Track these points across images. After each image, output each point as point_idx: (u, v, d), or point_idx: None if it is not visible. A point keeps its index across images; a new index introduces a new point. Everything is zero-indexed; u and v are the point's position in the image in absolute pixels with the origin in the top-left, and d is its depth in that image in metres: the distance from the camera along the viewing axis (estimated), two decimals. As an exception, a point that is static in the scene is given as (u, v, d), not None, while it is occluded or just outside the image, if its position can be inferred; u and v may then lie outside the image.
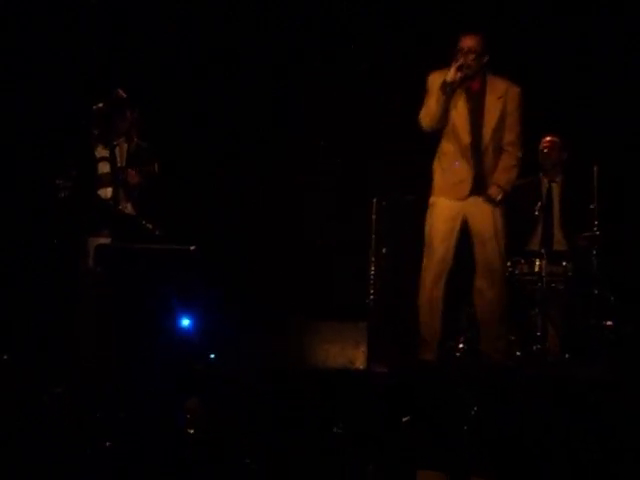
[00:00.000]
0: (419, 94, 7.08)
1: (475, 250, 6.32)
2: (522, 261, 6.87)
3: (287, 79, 8.07)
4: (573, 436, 4.63)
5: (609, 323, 6.80)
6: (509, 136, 6.28)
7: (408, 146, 7.74)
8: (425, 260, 6.31)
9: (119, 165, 6.71)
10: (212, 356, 6.01)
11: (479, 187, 6.25)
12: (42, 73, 7.45)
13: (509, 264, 6.66)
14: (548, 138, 7.26)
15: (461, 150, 6.24)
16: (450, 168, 6.27)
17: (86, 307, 5.87)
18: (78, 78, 7.21)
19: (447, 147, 6.30)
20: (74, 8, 7.15)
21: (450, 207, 6.27)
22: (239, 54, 8.10)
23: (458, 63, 6.08)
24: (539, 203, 7.11)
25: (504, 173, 6.28)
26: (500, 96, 6.25)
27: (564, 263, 6.98)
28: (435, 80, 6.23)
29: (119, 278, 5.92)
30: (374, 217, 6.90)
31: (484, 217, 6.25)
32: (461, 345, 6.80)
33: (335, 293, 7.27)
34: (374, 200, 6.96)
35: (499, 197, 6.23)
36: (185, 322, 6.00)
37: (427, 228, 6.33)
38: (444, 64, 6.23)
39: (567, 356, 6.68)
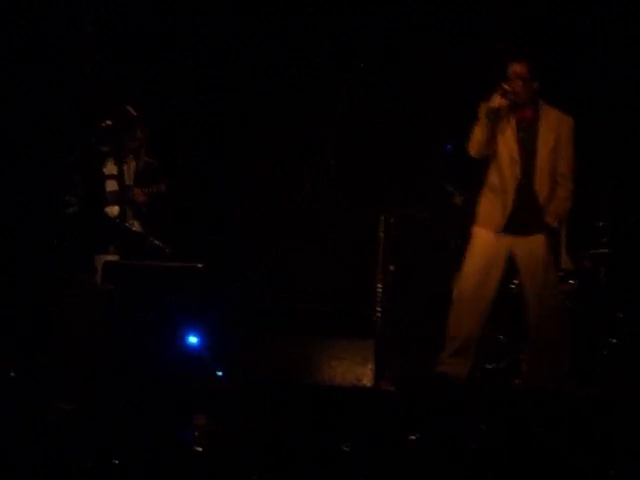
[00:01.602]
0: (431, 111, 7.11)
1: (524, 284, 6.26)
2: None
3: (296, 90, 8.08)
4: (582, 454, 4.61)
5: (616, 341, 6.80)
6: (562, 168, 6.20)
7: (416, 162, 7.77)
8: (455, 290, 6.32)
9: (127, 183, 6.74)
10: (219, 373, 6.00)
11: (533, 220, 6.19)
12: (51, 88, 7.48)
13: (516, 282, 6.63)
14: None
15: (510, 181, 6.18)
16: (497, 200, 6.22)
17: (89, 321, 5.87)
18: (87, 94, 7.23)
19: (494, 178, 6.24)
20: (80, 21, 7.17)
21: (494, 240, 6.22)
22: (247, 69, 8.13)
23: (502, 89, 6.03)
24: (546, 221, 7.10)
25: (559, 204, 6.21)
26: (553, 127, 6.17)
27: (571, 281, 6.97)
28: (485, 108, 6.19)
29: (127, 295, 5.93)
30: (382, 233, 6.88)
31: (535, 249, 6.17)
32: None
33: (342, 310, 7.26)
34: (382, 217, 6.95)
35: (555, 225, 6.23)
36: (192, 339, 6.00)
37: (465, 259, 6.31)
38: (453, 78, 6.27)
39: (574, 373, 6.66)
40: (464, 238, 6.67)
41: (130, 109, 6.80)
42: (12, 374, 5.79)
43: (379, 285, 6.79)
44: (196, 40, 8.04)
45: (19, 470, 4.21)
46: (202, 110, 8.05)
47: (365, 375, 5.89)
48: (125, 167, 6.73)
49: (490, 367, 6.81)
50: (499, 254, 6.22)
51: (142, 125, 6.85)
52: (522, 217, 6.19)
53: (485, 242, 6.25)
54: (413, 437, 4.81)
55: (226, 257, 7.80)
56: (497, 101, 6.04)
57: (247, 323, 6.48)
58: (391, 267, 6.99)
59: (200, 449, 4.71)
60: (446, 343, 6.32)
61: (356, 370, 5.89)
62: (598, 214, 7.00)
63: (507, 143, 6.20)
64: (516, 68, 6.12)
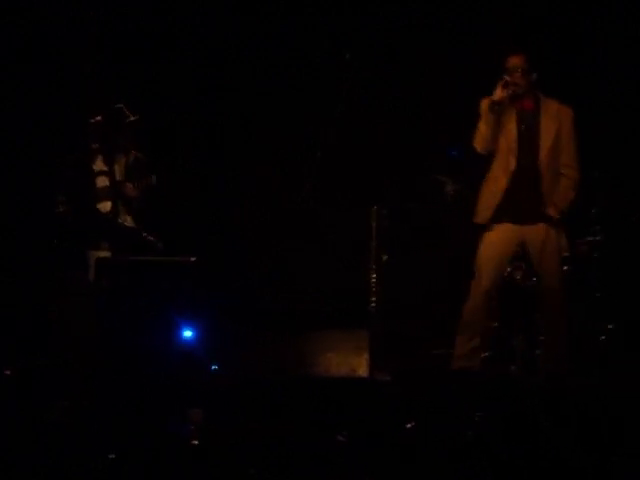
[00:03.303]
0: (431, 110, 7.09)
1: (536, 271, 6.38)
2: (523, 266, 6.86)
3: (287, 86, 8.08)
4: (576, 441, 4.62)
5: (610, 327, 6.81)
6: (565, 158, 6.24)
7: (409, 153, 7.76)
8: (473, 283, 6.31)
9: (118, 179, 6.73)
10: (214, 367, 6.00)
11: (535, 210, 6.22)
12: (40, 86, 7.47)
13: (509, 269, 6.65)
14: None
15: (512, 172, 6.21)
16: (500, 191, 6.24)
17: (87, 320, 5.87)
18: (87, 94, 7.24)
19: (497, 170, 6.28)
20: (80, 21, 7.16)
21: (503, 232, 6.27)
22: (247, 69, 8.12)
23: (503, 81, 6.07)
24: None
25: (562, 194, 6.24)
26: (554, 117, 6.21)
27: (565, 267, 6.98)
28: (487, 104, 6.20)
29: (120, 291, 5.92)
30: (374, 224, 6.88)
31: (543, 237, 6.22)
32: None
33: (336, 301, 7.26)
34: (374, 207, 6.95)
35: (557, 217, 6.21)
36: (187, 333, 6.00)
37: (479, 252, 6.33)
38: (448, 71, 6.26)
39: (571, 360, 6.66)
40: (458, 228, 6.67)
41: (124, 107, 6.80)
42: (7, 372, 5.79)
43: (372, 275, 6.79)
44: (196, 40, 8.03)
45: (19, 470, 4.21)
46: (202, 110, 8.04)
47: (360, 365, 5.89)
48: (115, 163, 6.73)
49: (485, 355, 6.80)
50: (508, 244, 6.29)
51: (135, 124, 6.85)
52: (526, 207, 6.23)
53: (494, 236, 6.29)
54: (409, 426, 4.82)
55: (226, 257, 7.79)
56: (499, 93, 6.09)
57: (243, 319, 6.49)
58: (384, 257, 6.98)
59: (196, 442, 4.71)
60: (458, 334, 6.35)
61: (351, 361, 5.90)
62: (592, 201, 7.01)
63: (508, 135, 6.23)
64: (515, 60, 6.16)
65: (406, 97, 7.90)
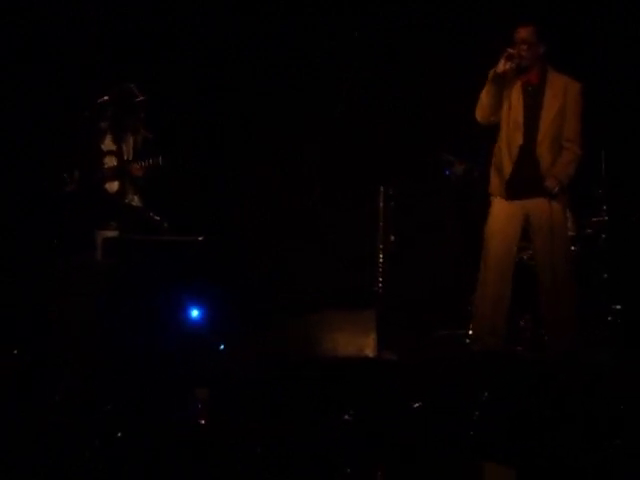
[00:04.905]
0: (430, 83, 7.06)
1: (534, 245, 6.29)
2: (530, 246, 6.85)
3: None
4: (583, 420, 4.63)
5: (618, 307, 6.81)
6: (568, 133, 6.16)
7: (417, 134, 7.76)
8: (482, 262, 6.28)
9: (125, 158, 6.75)
10: (221, 346, 6.02)
11: (535, 184, 6.14)
12: (48, 65, 7.47)
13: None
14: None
15: (513, 147, 6.16)
16: (503, 168, 6.21)
17: (94, 299, 5.88)
18: (84, 71, 7.23)
19: (500, 146, 6.24)
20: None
21: (508, 207, 6.21)
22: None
23: (507, 53, 6.01)
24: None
25: (561, 167, 6.14)
26: (558, 92, 6.13)
27: (572, 247, 6.97)
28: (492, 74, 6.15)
29: (127, 270, 5.94)
30: (382, 205, 6.89)
31: (541, 210, 6.13)
32: (471, 332, 6.78)
33: (344, 281, 7.27)
34: (381, 188, 6.95)
35: (555, 189, 6.10)
36: (194, 313, 6.02)
37: (485, 228, 6.29)
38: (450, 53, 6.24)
39: (579, 340, 6.67)
40: (465, 207, 6.66)
41: (133, 87, 6.80)
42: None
43: (380, 255, 6.80)
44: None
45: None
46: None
47: (367, 345, 5.90)
48: (123, 142, 6.74)
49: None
50: (514, 219, 6.21)
51: (144, 103, 6.86)
52: (526, 182, 6.15)
53: (499, 210, 6.24)
54: (416, 405, 4.84)
55: (226, 231, 7.80)
56: (502, 65, 6.03)
57: (251, 299, 6.51)
58: (391, 237, 6.99)
59: (203, 422, 4.73)
60: (474, 314, 6.35)
61: (358, 341, 5.90)
62: (598, 182, 7.01)
63: (513, 108, 6.17)
64: (521, 32, 6.09)
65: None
